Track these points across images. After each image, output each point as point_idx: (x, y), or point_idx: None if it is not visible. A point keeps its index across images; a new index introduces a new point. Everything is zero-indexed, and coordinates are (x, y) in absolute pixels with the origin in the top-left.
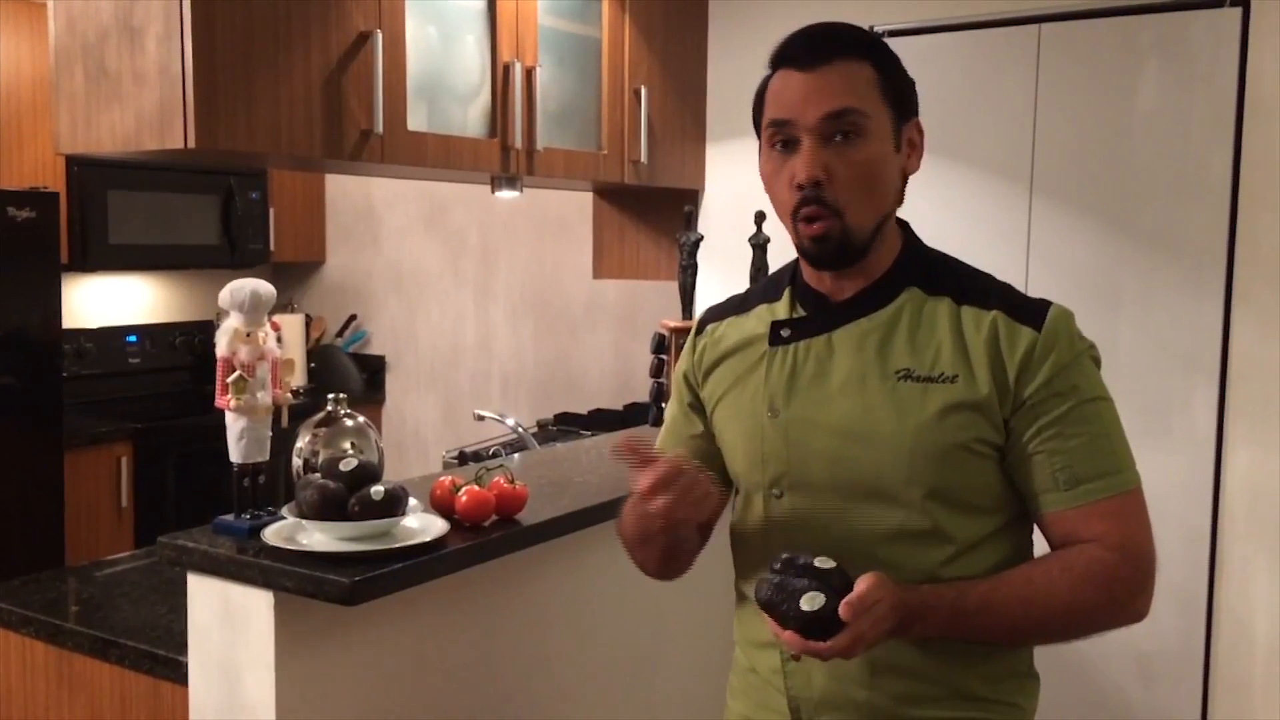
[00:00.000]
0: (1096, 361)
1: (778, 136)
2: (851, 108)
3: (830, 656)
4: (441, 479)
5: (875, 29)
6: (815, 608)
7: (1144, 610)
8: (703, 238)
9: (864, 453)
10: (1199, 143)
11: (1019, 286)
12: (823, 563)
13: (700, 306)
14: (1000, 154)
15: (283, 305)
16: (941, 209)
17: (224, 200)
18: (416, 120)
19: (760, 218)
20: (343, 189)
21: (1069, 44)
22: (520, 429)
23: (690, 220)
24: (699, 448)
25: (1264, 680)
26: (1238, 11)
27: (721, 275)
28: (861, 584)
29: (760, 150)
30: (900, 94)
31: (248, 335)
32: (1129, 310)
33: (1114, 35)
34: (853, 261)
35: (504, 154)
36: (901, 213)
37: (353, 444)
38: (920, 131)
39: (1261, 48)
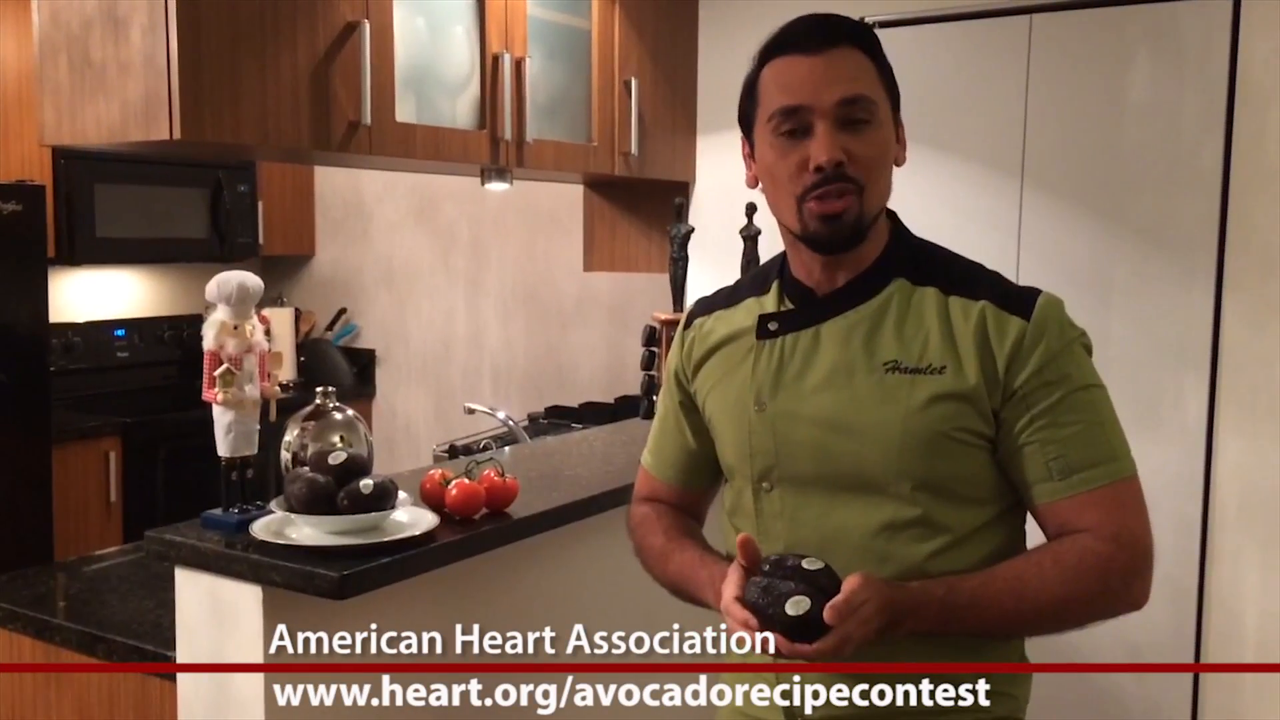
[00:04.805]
0: (1087, 349)
1: (785, 124)
2: (865, 95)
3: (816, 659)
4: (431, 472)
5: (866, 20)
6: (800, 612)
7: (1142, 598)
8: (693, 230)
9: (851, 445)
10: (1190, 133)
11: (1010, 277)
12: (811, 563)
13: (691, 298)
14: (991, 145)
15: (272, 299)
16: (932, 200)
17: (212, 193)
18: (405, 111)
19: (751, 210)
20: (332, 182)
21: (1060, 35)
22: (511, 422)
23: (681, 212)
24: (690, 452)
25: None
26: (1228, 1)
27: (713, 267)
28: (847, 585)
29: (755, 143)
30: (891, 85)
31: (235, 328)
32: (1120, 301)
33: (1105, 26)
34: (855, 245)
35: (493, 146)
36: (892, 203)
37: (342, 437)
38: (903, 126)
39: (1252, 37)
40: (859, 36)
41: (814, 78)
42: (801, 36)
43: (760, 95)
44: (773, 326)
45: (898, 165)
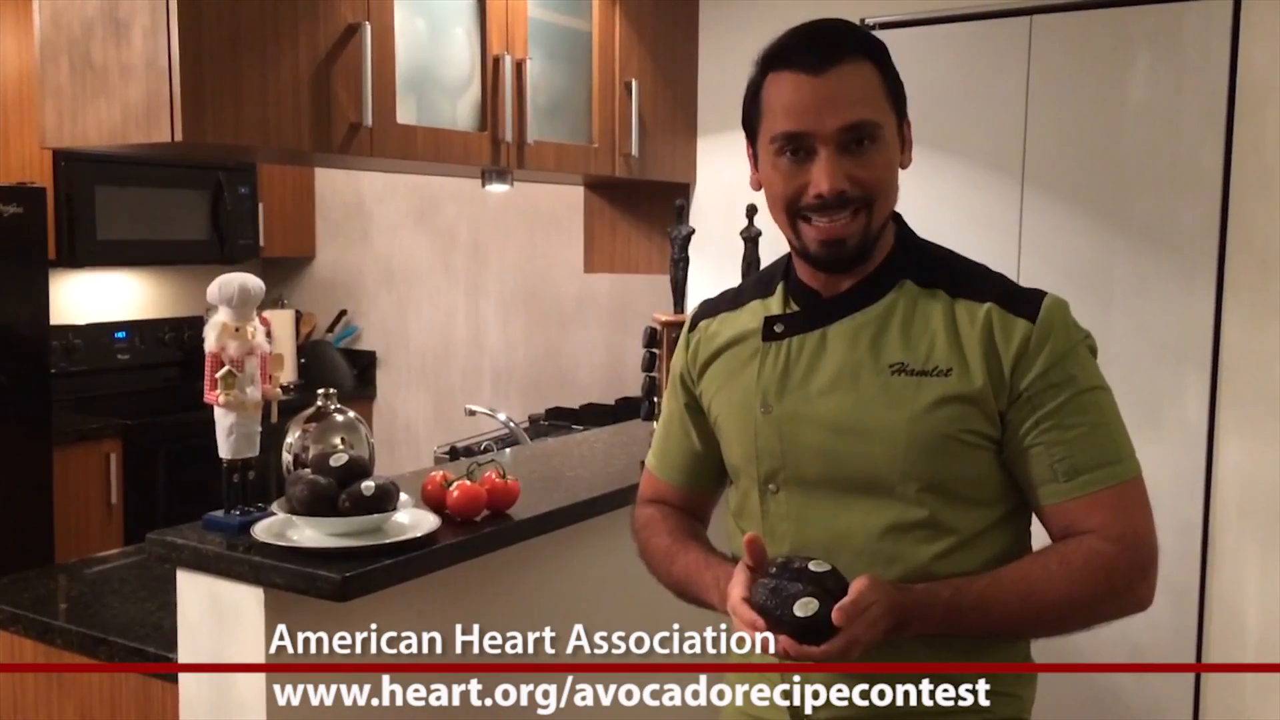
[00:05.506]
0: (1093, 351)
1: (788, 147)
2: (867, 119)
3: (825, 661)
4: (433, 474)
5: (866, 22)
6: (809, 613)
7: (1147, 600)
8: (694, 231)
9: (857, 447)
10: (1190, 134)
11: (1010, 278)
12: (818, 565)
13: (692, 300)
14: (992, 146)
15: (273, 301)
16: (933, 201)
17: (213, 195)
18: (406, 113)
19: (752, 211)
20: (332, 184)
21: (1060, 36)
22: (512, 424)
23: (681, 213)
24: (695, 454)
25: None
26: (1229, 3)
27: (713, 268)
28: (855, 587)
29: (758, 154)
30: (898, 93)
31: (236, 330)
32: (1121, 302)
33: (1105, 27)
34: (858, 264)
35: (494, 147)
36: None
37: (343, 439)
38: (910, 126)
39: (1252, 39)
40: (862, 47)
41: (816, 102)
42: (804, 53)
43: (763, 109)
44: (779, 328)
45: (902, 168)
